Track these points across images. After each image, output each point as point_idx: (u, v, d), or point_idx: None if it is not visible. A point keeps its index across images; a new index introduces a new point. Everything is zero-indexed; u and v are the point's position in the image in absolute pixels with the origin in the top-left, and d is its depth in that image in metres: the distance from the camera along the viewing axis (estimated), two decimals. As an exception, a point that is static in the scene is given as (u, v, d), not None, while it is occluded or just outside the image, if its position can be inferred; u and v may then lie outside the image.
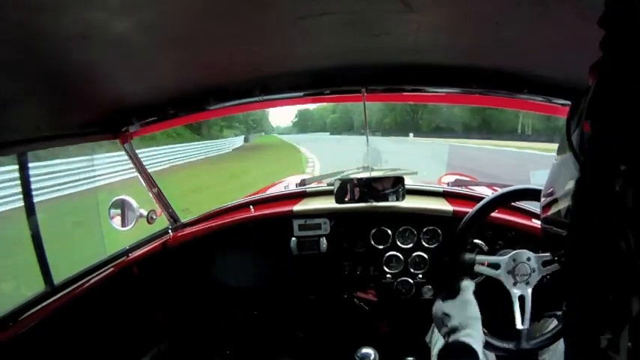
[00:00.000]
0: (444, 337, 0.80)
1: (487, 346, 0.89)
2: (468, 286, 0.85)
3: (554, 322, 1.01)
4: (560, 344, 0.94)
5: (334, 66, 1.07)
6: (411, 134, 26.64)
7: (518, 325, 0.89)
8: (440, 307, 0.84)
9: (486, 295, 0.95)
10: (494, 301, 0.99)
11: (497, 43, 0.86)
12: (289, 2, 0.66)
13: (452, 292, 0.85)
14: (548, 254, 0.93)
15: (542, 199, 0.51)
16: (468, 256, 0.95)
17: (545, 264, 0.92)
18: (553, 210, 0.47)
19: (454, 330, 0.77)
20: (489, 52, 0.93)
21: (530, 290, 0.91)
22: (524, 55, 0.91)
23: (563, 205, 0.44)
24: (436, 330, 1.05)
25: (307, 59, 1.03)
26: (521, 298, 0.91)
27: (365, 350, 1.34)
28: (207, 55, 0.92)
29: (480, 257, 0.94)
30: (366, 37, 0.86)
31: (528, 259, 0.92)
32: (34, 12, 0.56)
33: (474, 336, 0.75)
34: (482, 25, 0.76)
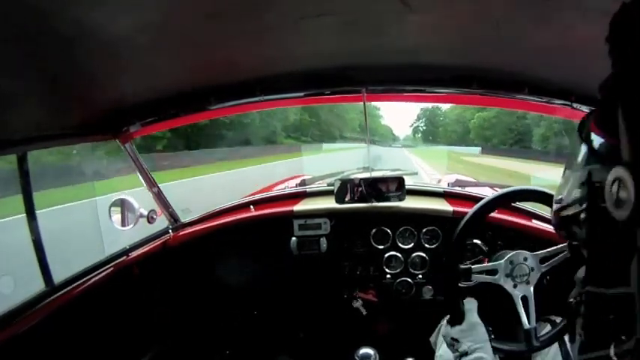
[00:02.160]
0: None
1: (496, 351, 0.88)
2: (471, 308, 0.88)
3: (548, 327, 1.01)
4: (551, 348, 0.94)
5: (334, 66, 1.07)
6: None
7: (526, 325, 0.89)
8: (448, 332, 0.88)
9: (490, 299, 0.95)
10: (498, 305, 0.99)
11: (497, 44, 0.86)
12: (289, 2, 0.66)
13: (457, 315, 0.88)
14: (545, 251, 0.93)
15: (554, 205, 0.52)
16: (464, 267, 0.93)
17: (542, 260, 0.92)
18: (563, 215, 0.47)
19: (464, 354, 0.82)
20: (489, 53, 0.93)
21: (531, 289, 0.91)
22: (524, 56, 0.91)
23: (572, 211, 0.44)
24: (442, 331, 1.06)
25: (307, 59, 1.02)
26: (524, 299, 0.90)
27: (365, 350, 1.34)
28: (207, 55, 0.92)
29: (475, 267, 0.93)
30: (366, 37, 0.86)
31: (525, 259, 0.92)
32: (35, 12, 0.56)
33: (485, 358, 0.80)
34: (482, 25, 0.76)
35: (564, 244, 0.92)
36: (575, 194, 0.43)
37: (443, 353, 1.00)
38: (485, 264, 0.96)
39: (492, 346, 0.85)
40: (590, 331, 0.40)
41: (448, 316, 0.92)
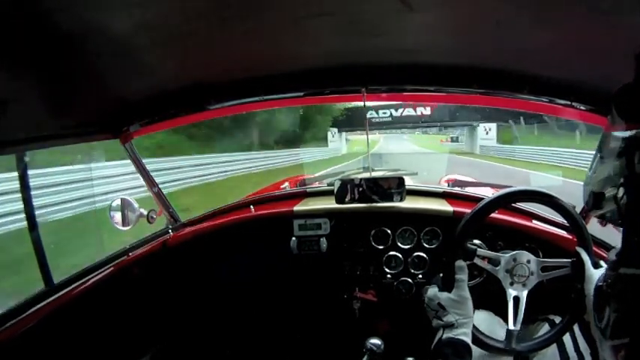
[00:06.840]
0: (438, 329, 0.83)
1: (476, 342, 0.88)
2: (464, 279, 0.85)
3: (546, 327, 1.00)
4: (549, 349, 0.93)
5: (334, 66, 1.07)
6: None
7: (510, 326, 0.89)
8: (436, 296, 0.85)
9: (482, 291, 0.95)
10: (489, 298, 0.98)
11: (498, 43, 0.86)
12: (289, 2, 0.66)
13: (449, 281, 0.86)
14: (549, 260, 0.93)
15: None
16: (471, 245, 0.93)
17: (544, 269, 0.92)
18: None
19: (450, 325, 0.80)
20: (489, 52, 0.93)
21: (525, 293, 0.90)
22: (525, 55, 0.91)
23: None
24: (428, 293, 1.05)
25: (307, 59, 1.02)
26: (516, 299, 0.90)
27: (373, 340, 1.32)
28: (207, 55, 0.92)
29: (481, 250, 0.93)
30: (366, 37, 0.86)
31: (528, 261, 0.91)
32: (34, 12, 0.56)
33: (469, 335, 0.79)
34: (482, 25, 0.76)
35: (568, 260, 0.91)
36: (611, 172, 0.42)
37: None
38: (490, 252, 0.95)
39: (473, 331, 0.85)
40: (622, 315, 0.39)
41: (437, 282, 0.90)
